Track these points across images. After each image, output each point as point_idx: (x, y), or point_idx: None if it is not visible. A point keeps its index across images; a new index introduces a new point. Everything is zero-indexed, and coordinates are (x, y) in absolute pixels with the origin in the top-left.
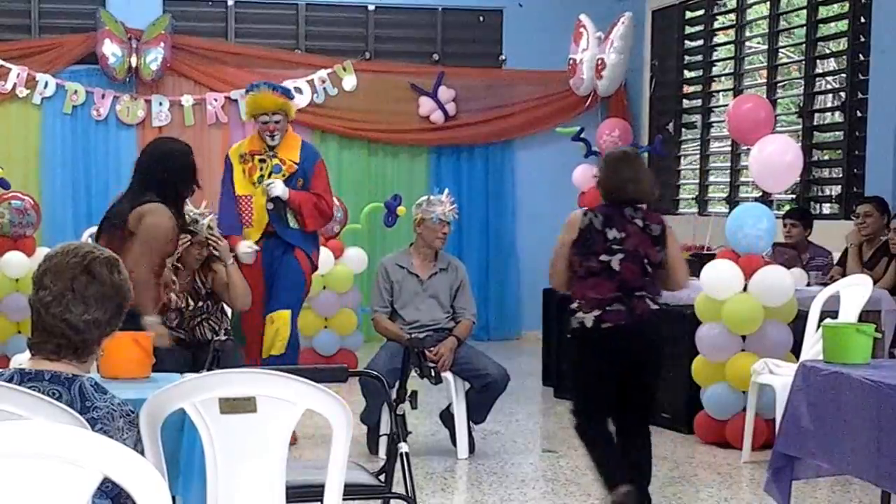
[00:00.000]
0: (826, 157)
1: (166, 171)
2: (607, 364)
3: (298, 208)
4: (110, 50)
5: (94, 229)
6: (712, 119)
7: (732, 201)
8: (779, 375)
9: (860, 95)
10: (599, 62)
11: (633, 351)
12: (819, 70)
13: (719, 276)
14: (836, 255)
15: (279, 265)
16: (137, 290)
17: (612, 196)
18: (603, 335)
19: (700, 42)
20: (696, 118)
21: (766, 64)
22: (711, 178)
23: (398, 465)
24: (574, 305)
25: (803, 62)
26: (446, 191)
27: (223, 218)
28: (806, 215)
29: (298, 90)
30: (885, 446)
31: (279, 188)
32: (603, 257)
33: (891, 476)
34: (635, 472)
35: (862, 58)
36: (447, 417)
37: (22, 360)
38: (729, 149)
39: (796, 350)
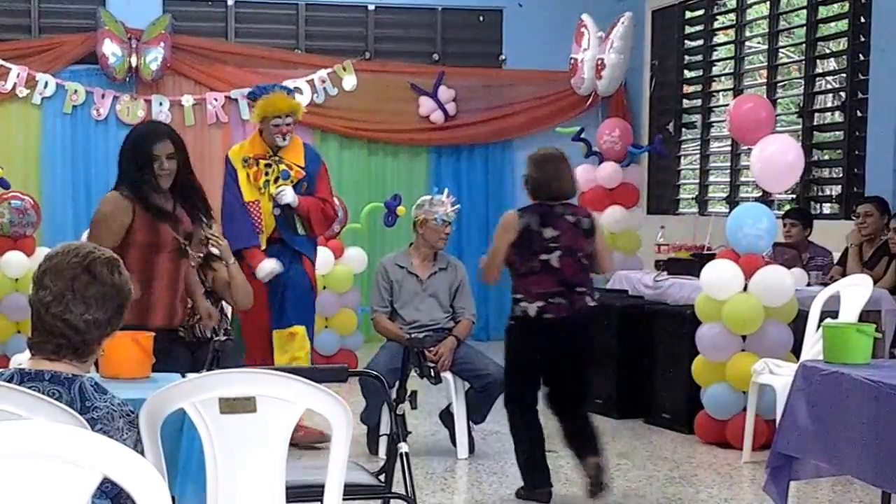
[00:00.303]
0: (826, 157)
1: (120, 155)
2: (544, 352)
3: (307, 214)
4: (110, 50)
5: None
6: (712, 119)
7: (732, 201)
8: (779, 375)
9: (860, 95)
10: (599, 62)
11: (570, 342)
12: (819, 70)
13: (719, 276)
14: (836, 255)
15: (289, 275)
16: None
17: (539, 194)
18: (545, 324)
19: (700, 42)
20: (697, 118)
21: (766, 64)
22: (711, 178)
23: (398, 465)
24: (518, 296)
25: (803, 62)
26: (446, 191)
27: (238, 227)
28: (805, 215)
29: (298, 90)
30: (884, 446)
31: (290, 195)
32: (542, 256)
33: (890, 476)
34: (590, 446)
35: (862, 57)
36: (447, 417)
37: (22, 359)
38: (729, 149)
39: (796, 350)
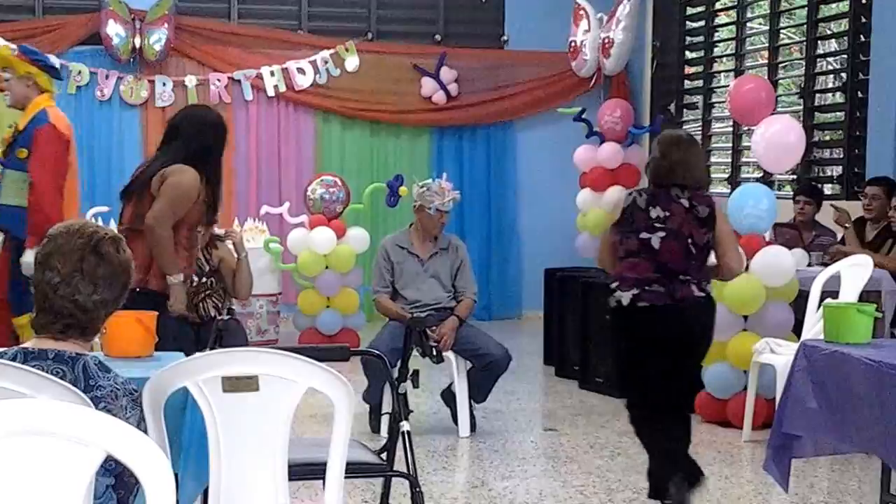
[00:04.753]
0: (827, 138)
1: (201, 135)
2: (643, 345)
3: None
4: (114, 31)
5: (99, 209)
6: (713, 100)
7: (734, 182)
8: (780, 355)
9: (861, 76)
10: (607, 40)
11: (671, 335)
12: (820, 51)
13: None
14: (839, 236)
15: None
16: (159, 249)
17: (658, 179)
18: (639, 313)
19: (701, 23)
20: (698, 99)
21: (767, 45)
22: (713, 159)
23: (400, 444)
24: (613, 285)
25: (804, 43)
26: (444, 176)
27: None
28: (818, 193)
29: (301, 71)
30: (889, 423)
31: None
32: (643, 235)
33: None
34: (673, 464)
35: (863, 39)
36: (449, 396)
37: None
38: (730, 129)
39: (797, 330)
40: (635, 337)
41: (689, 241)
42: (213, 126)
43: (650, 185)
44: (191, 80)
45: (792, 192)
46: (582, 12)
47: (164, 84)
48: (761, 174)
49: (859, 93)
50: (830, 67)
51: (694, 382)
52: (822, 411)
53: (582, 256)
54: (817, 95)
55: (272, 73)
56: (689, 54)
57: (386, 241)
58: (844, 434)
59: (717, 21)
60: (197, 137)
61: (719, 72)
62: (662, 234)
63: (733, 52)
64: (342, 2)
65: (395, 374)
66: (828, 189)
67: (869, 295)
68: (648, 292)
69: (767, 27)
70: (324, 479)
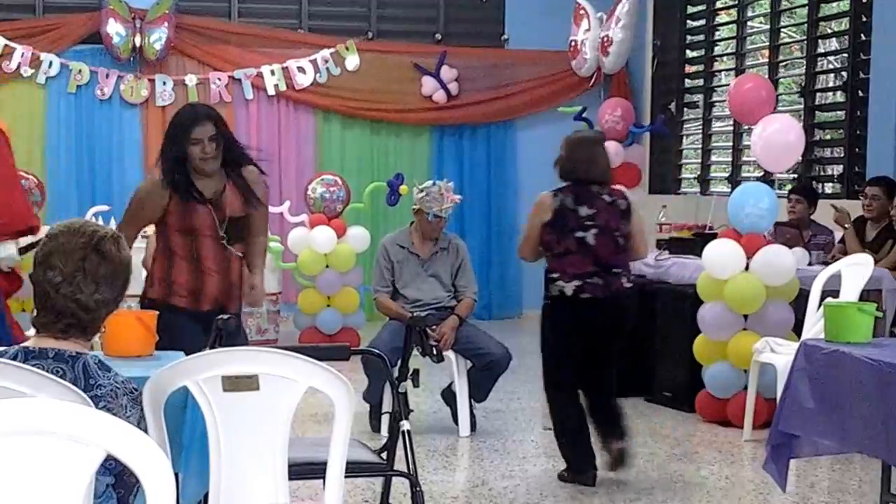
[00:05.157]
0: (828, 137)
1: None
2: (579, 333)
3: None
4: (114, 29)
5: (99, 208)
6: (714, 99)
7: (734, 181)
8: (780, 354)
9: (862, 75)
10: (605, 39)
11: (606, 323)
12: (821, 50)
13: (721, 256)
14: (839, 236)
15: None
16: None
17: (571, 176)
18: (581, 304)
19: (702, 21)
20: (698, 98)
21: (767, 43)
22: (713, 158)
23: (400, 443)
24: (554, 275)
25: (805, 42)
26: (445, 180)
27: None
28: (811, 192)
29: (301, 70)
30: (889, 423)
31: None
32: (578, 234)
33: None
34: (615, 429)
35: (864, 37)
36: (449, 396)
37: (28, 336)
38: (731, 128)
39: (798, 329)
40: (575, 325)
41: (617, 233)
42: (170, 125)
43: (566, 184)
44: (191, 79)
45: None
46: (582, 12)
47: (164, 83)
48: (762, 173)
49: (860, 92)
50: (831, 66)
51: (615, 364)
52: (819, 411)
53: None
54: (818, 94)
55: (272, 72)
56: (689, 53)
57: (386, 241)
58: (840, 435)
59: (718, 20)
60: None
61: (720, 71)
62: (595, 230)
63: (734, 51)
64: (342, 1)
65: (396, 374)
66: (828, 188)
67: (869, 294)
68: (590, 284)
69: (768, 26)
70: (324, 478)
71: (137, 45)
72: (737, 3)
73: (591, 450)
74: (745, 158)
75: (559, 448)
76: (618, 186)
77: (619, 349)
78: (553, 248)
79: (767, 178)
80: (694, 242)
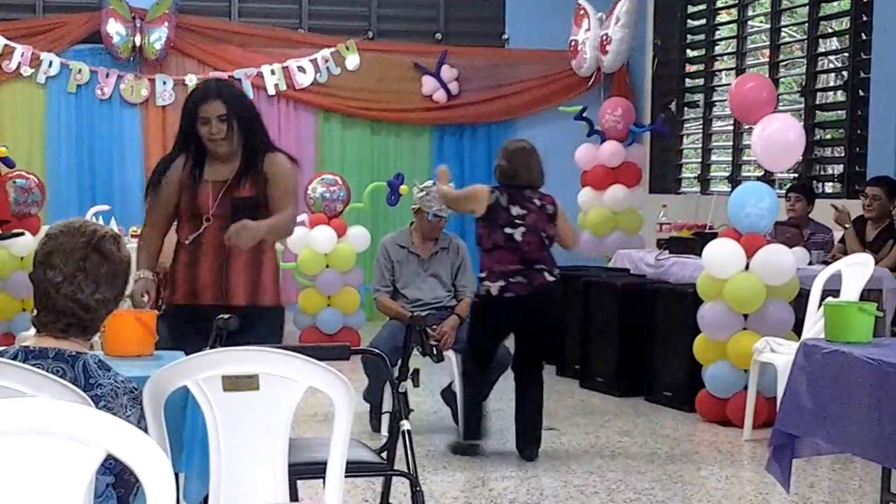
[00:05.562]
0: (828, 136)
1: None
2: (504, 327)
3: None
4: (114, 29)
5: (99, 208)
6: (714, 98)
7: (734, 180)
8: (780, 354)
9: (862, 74)
10: (604, 38)
11: (530, 317)
12: (821, 49)
13: (721, 255)
14: (837, 234)
15: None
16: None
17: (510, 181)
18: (506, 303)
19: (702, 21)
20: (699, 97)
21: (768, 43)
22: (713, 158)
23: (400, 443)
24: (482, 275)
25: (806, 41)
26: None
27: None
28: (809, 190)
29: (302, 69)
30: (886, 424)
31: None
32: (507, 230)
33: (893, 452)
34: (533, 420)
35: (864, 37)
36: (449, 396)
37: (28, 336)
38: (731, 128)
39: (798, 329)
40: (500, 321)
41: (543, 234)
42: (185, 101)
43: (502, 187)
44: (191, 79)
45: None
46: (582, 12)
47: (164, 83)
48: (762, 173)
49: (860, 91)
50: (831, 66)
51: (548, 351)
52: (817, 412)
53: (583, 255)
54: (818, 94)
55: (272, 72)
56: (689, 52)
57: (386, 240)
58: (834, 435)
59: (718, 19)
60: None
61: (720, 70)
62: (523, 229)
63: (734, 50)
64: (343, 0)
65: (396, 373)
66: (829, 188)
67: (870, 294)
68: (514, 284)
69: (768, 25)
70: (324, 478)
71: (137, 44)
72: (737, 2)
73: (483, 424)
74: (745, 158)
75: (459, 415)
76: (548, 193)
77: (552, 343)
78: (483, 242)
79: (768, 178)
80: (694, 242)
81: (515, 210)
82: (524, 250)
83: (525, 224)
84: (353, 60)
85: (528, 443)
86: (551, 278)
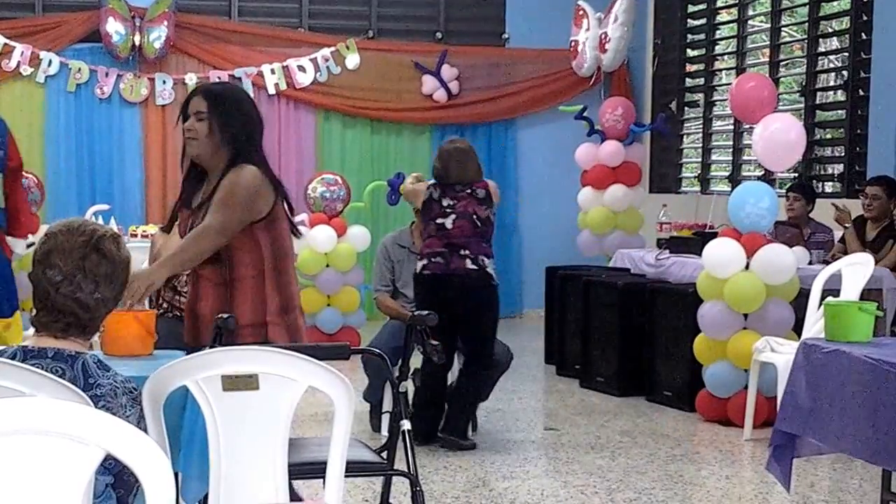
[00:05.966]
0: (828, 136)
1: None
2: (429, 308)
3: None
4: (114, 28)
5: (99, 207)
6: (715, 98)
7: (735, 180)
8: (780, 353)
9: (862, 74)
10: (603, 36)
11: (448, 301)
12: (822, 49)
13: (721, 255)
14: (838, 234)
15: None
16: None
17: (441, 179)
18: (425, 281)
19: (703, 20)
20: (699, 97)
21: (768, 42)
22: (714, 157)
23: (400, 443)
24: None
25: (806, 41)
26: None
27: None
28: (809, 190)
29: (302, 69)
30: (881, 424)
31: None
32: (438, 220)
33: (885, 453)
34: (457, 397)
35: (864, 36)
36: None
37: (27, 336)
38: (731, 127)
39: (798, 328)
40: (425, 300)
41: (475, 216)
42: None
43: (437, 184)
44: (191, 78)
45: None
46: (582, 13)
47: (164, 82)
48: (763, 172)
49: (860, 91)
50: (832, 65)
51: (484, 342)
52: (815, 412)
53: (583, 255)
54: (819, 93)
55: (273, 71)
56: (690, 52)
57: (386, 240)
58: (832, 435)
59: (719, 19)
60: None
61: (720, 70)
62: (454, 216)
63: (734, 50)
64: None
65: (396, 373)
66: (829, 187)
67: (870, 293)
68: (433, 263)
69: (769, 25)
70: (324, 478)
71: (137, 43)
72: (737, 2)
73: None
74: (745, 157)
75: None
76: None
77: (475, 329)
78: (422, 232)
79: (768, 178)
80: (694, 242)
81: (446, 201)
82: (452, 234)
83: (455, 211)
84: (353, 60)
85: (450, 431)
86: (473, 266)
